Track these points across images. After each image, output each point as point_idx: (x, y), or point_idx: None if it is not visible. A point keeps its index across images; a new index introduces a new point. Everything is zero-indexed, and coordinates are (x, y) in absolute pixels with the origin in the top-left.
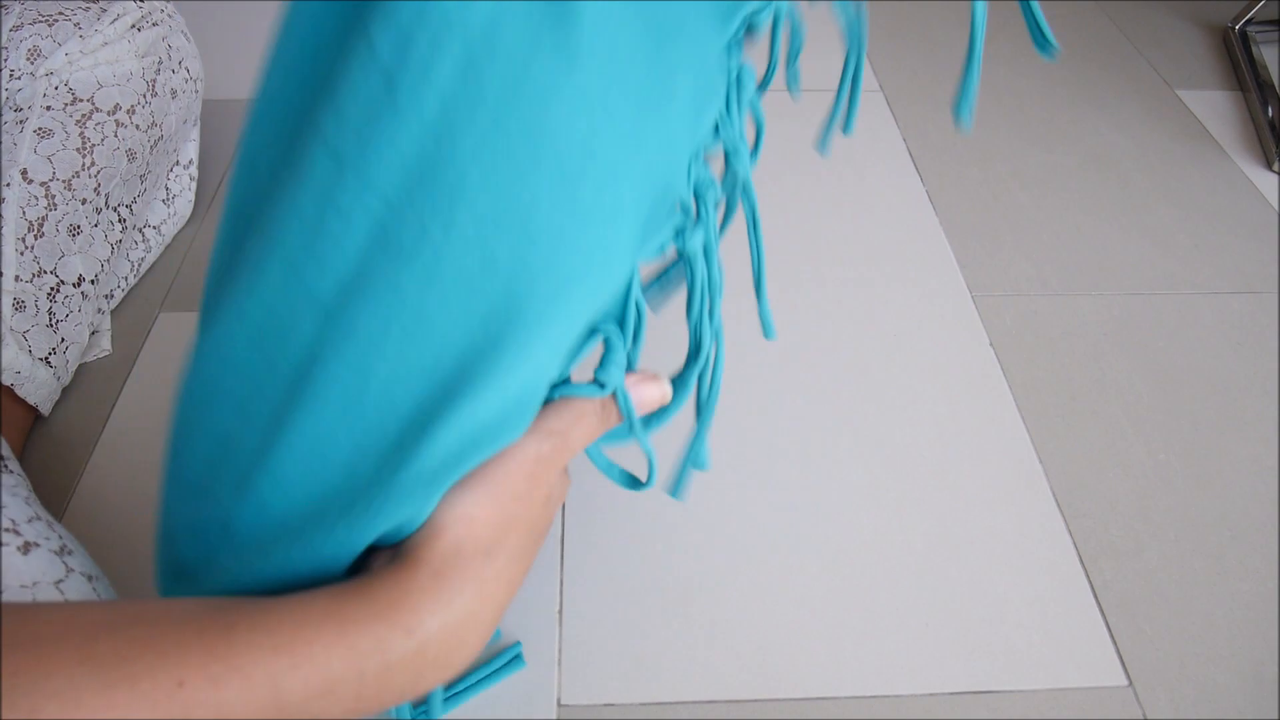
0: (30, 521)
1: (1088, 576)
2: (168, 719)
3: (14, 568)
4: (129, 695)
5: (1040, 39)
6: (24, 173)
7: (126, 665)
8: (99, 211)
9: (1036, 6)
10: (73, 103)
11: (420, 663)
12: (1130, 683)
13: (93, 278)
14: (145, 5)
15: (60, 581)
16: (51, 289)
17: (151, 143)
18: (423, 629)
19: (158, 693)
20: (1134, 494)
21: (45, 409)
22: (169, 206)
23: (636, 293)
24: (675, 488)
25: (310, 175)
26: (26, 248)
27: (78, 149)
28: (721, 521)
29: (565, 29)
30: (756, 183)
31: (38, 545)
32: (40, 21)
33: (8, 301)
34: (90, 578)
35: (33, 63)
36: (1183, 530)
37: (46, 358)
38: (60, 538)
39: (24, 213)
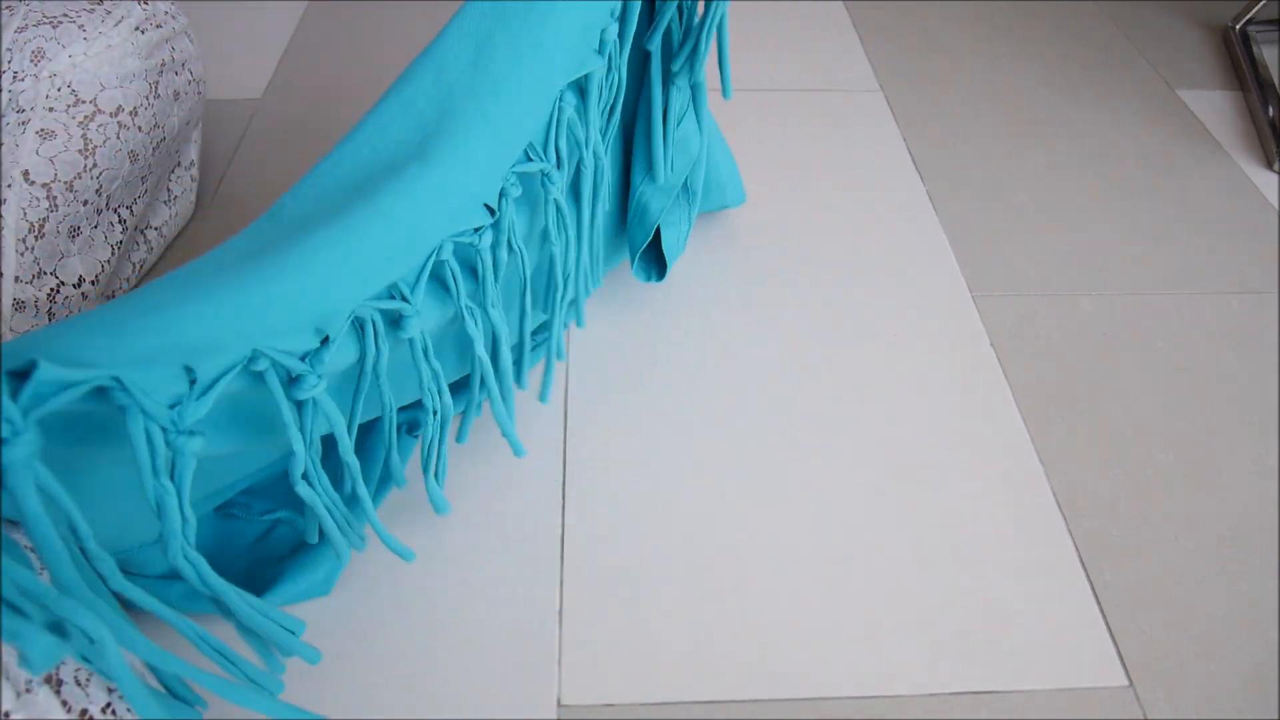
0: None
1: (1088, 576)
2: None
3: None
4: None
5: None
6: (26, 174)
7: None
8: (99, 213)
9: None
10: (75, 104)
11: None
12: (1130, 683)
13: (93, 279)
14: (149, 7)
15: None
16: (52, 290)
17: (154, 144)
18: None
19: None
20: (1134, 494)
21: None
22: (170, 207)
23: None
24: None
25: None
26: (27, 249)
27: (80, 150)
28: (722, 522)
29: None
30: (756, 184)
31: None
32: (45, 23)
33: (7, 302)
34: None
35: (36, 64)
36: (1183, 530)
37: None
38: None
39: (25, 214)
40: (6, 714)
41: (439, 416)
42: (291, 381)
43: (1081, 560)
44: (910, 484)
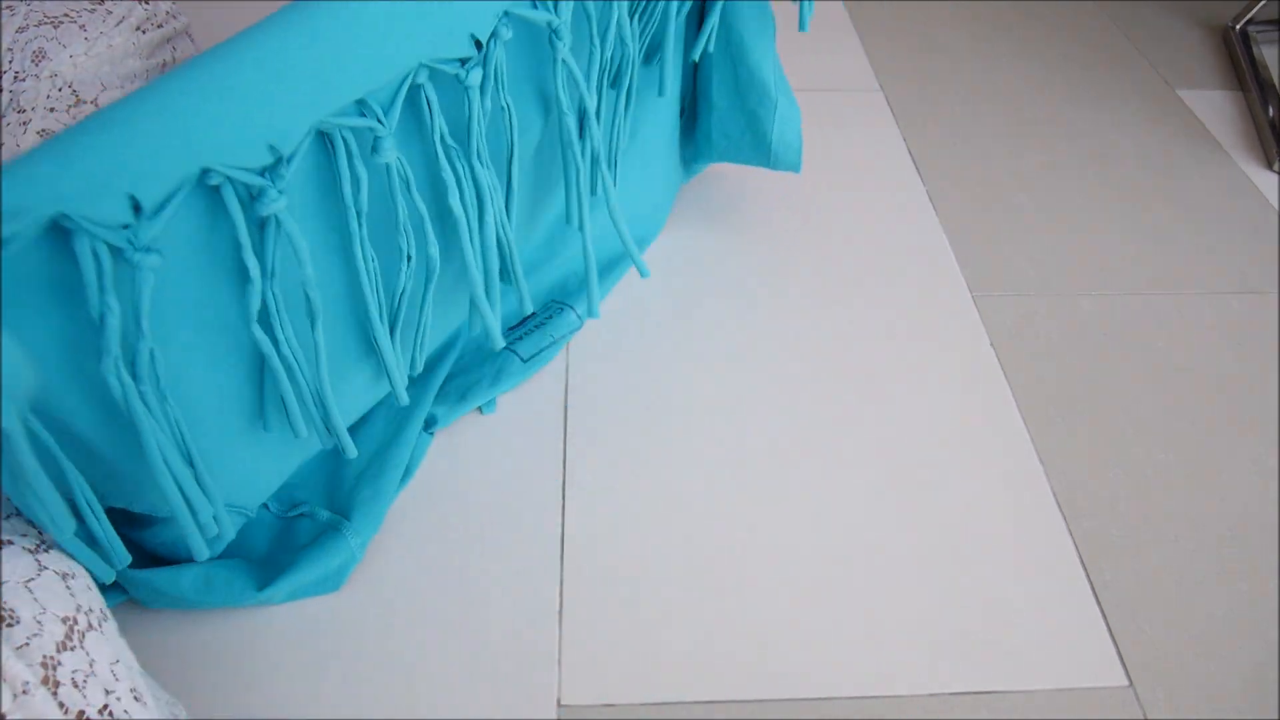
0: (9, 518)
1: (1088, 576)
2: None
3: None
4: None
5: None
6: None
7: None
8: None
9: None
10: (76, 104)
11: None
12: (1130, 683)
13: None
14: (150, 7)
15: (30, 580)
16: None
17: None
18: None
19: None
20: (1134, 494)
21: None
22: None
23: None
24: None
25: None
26: None
27: None
28: (722, 522)
29: None
30: (756, 183)
31: (10, 543)
32: (46, 23)
33: None
34: (65, 575)
35: (37, 64)
36: (1183, 530)
37: None
38: (39, 535)
39: None
40: (4, 715)
41: (412, 264)
42: (252, 200)
43: (1081, 560)
44: (910, 484)
